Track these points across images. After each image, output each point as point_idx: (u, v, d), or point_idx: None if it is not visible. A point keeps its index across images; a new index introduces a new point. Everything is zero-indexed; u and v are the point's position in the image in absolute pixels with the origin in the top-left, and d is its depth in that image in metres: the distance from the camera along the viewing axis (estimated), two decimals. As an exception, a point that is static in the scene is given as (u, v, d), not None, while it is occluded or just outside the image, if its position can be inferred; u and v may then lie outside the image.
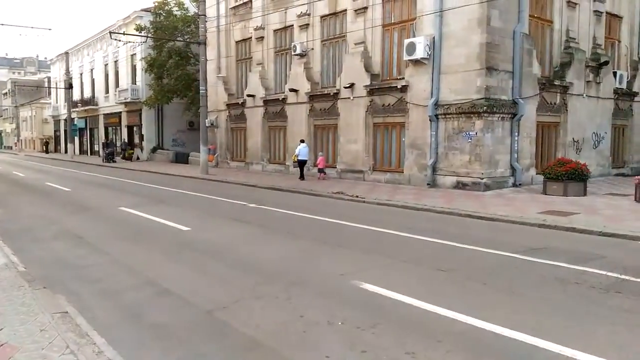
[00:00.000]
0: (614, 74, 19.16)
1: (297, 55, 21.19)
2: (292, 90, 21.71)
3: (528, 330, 4.59)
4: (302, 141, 20.27)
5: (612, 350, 4.23)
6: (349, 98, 19.16)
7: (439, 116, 15.95)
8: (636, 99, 20.63)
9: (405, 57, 16.48)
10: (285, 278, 6.40)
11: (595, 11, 18.44)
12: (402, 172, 17.41)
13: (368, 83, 18.30)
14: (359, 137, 18.95)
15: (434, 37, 15.83)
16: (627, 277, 6.38)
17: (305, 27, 21.20)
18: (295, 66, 21.67)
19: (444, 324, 4.84)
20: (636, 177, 13.24)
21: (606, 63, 18.43)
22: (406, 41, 16.40)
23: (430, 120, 16.12)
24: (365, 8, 18.45)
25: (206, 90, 23.51)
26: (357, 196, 14.55)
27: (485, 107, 14.74)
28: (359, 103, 18.79)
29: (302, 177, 19.51)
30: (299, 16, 21.34)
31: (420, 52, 15.82)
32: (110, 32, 28.73)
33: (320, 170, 19.60)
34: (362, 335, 4.56)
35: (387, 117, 18.03)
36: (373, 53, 18.52)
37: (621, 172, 19.80)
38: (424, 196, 14.20)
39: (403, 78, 17.18)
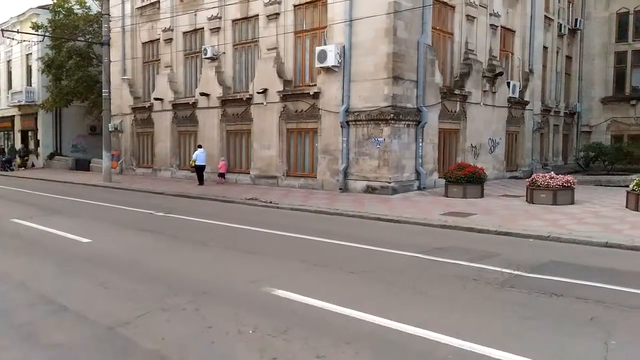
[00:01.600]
0: (508, 84, 20.78)
1: (208, 58, 20.75)
2: (203, 94, 21.22)
3: (432, 326, 4.81)
4: (200, 146, 20.36)
5: (506, 341, 4.53)
6: (262, 103, 19.08)
7: (350, 123, 16.36)
8: (527, 107, 22.50)
9: (317, 65, 16.73)
10: (193, 288, 6.20)
11: (491, 25, 19.90)
12: (316, 177, 17.63)
13: (281, 89, 18.35)
14: (272, 143, 18.92)
15: (344, 46, 16.23)
16: (519, 273, 6.90)
17: (216, 30, 20.83)
18: (207, 70, 21.22)
19: (354, 325, 4.94)
20: (527, 179, 14.41)
21: (501, 74, 19.94)
22: (317, 49, 16.66)
23: (341, 126, 16.48)
24: (277, 14, 18.50)
25: (110, 92, 22.30)
26: (270, 202, 14.50)
27: (392, 115, 15.34)
28: (273, 108, 18.78)
29: (201, 182, 19.67)
30: (209, 19, 20.93)
31: (331, 60, 16.14)
32: (1, 30, 26.34)
33: (221, 175, 19.91)
34: (273, 342, 4.53)
35: (300, 122, 18.19)
36: (286, 59, 18.61)
37: (514, 175, 21.47)
38: (336, 201, 14.46)
39: (315, 85, 17.43)
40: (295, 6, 18.12)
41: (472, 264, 7.40)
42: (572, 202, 13.30)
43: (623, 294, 5.90)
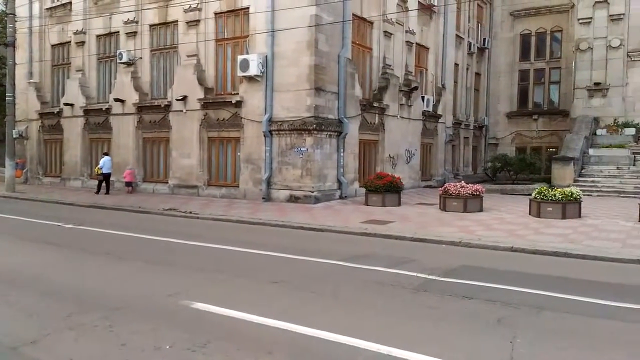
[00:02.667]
0: (422, 98, 21.82)
1: (123, 63, 19.91)
2: (117, 100, 20.30)
3: (350, 332, 4.90)
4: (106, 154, 19.83)
5: (421, 344, 4.73)
6: (181, 111, 18.59)
7: (273, 132, 16.37)
8: (440, 120, 23.71)
9: (240, 73, 16.60)
10: (106, 304, 5.88)
11: (407, 42, 20.81)
12: (238, 187, 17.42)
13: (202, 96, 17.99)
14: (193, 152, 18.47)
15: (266, 56, 16.25)
16: (433, 277, 7.23)
17: (132, 34, 20.05)
18: (122, 75, 20.33)
19: (276, 335, 4.92)
20: (440, 188, 15.16)
21: (416, 88, 20.90)
22: (240, 57, 16.55)
23: (264, 135, 16.44)
24: (198, 21, 18.18)
25: (14, 97, 20.71)
26: (190, 212, 14.12)
27: (314, 125, 15.56)
28: (193, 116, 18.35)
29: (107, 191, 19.08)
30: (125, 23, 20.12)
31: (253, 69, 16.09)
32: None
33: (128, 184, 19.34)
34: (192, 357, 4.40)
35: (222, 131, 17.92)
36: (207, 67, 18.30)
37: (429, 184, 22.51)
38: (259, 210, 14.37)
39: (237, 93, 17.28)
40: (216, 14, 17.91)
41: (390, 270, 7.65)
42: (481, 210, 14.18)
43: (528, 295, 6.36)
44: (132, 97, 19.93)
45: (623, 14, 23.54)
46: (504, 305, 5.90)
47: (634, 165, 20.36)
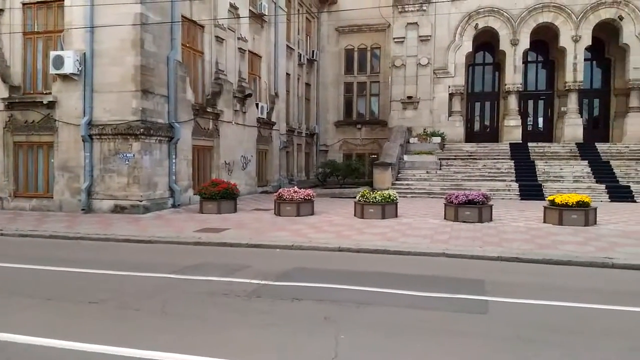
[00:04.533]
0: (257, 105, 22.09)
1: None
2: None
3: (173, 349, 4.67)
4: None
5: (248, 353, 4.70)
6: (-21, 112, 16.00)
7: (94, 137, 15.00)
8: (274, 127, 24.25)
9: (53, 71, 14.88)
10: None
11: (239, 49, 20.85)
12: (52, 198, 15.56)
13: (6, 96, 15.73)
14: (-6, 159, 16.01)
15: (85, 53, 14.83)
16: (266, 282, 7.29)
17: None
18: None
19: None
20: (275, 194, 15.47)
21: (250, 95, 21.06)
22: (53, 53, 14.83)
23: (83, 140, 14.97)
24: (2, 10, 15.90)
25: None
26: (-9, 229, 12.18)
27: (142, 129, 14.66)
28: (-6, 118, 15.94)
29: None
30: None
31: (69, 67, 14.55)
32: None
33: None
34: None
35: (31, 135, 15.86)
36: (12, 62, 16.07)
37: (265, 189, 22.85)
38: (77, 223, 13.01)
39: (50, 93, 15.47)
40: (24, 4, 15.85)
41: (223, 279, 7.51)
42: (313, 213, 14.82)
43: (352, 292, 6.78)
44: None
45: (430, 36, 26.80)
46: (330, 303, 6.21)
47: (440, 169, 23.23)
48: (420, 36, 26.89)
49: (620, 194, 19.29)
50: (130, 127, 14.66)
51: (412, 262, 8.99)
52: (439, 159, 23.73)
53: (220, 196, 15.15)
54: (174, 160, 16.18)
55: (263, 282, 7.30)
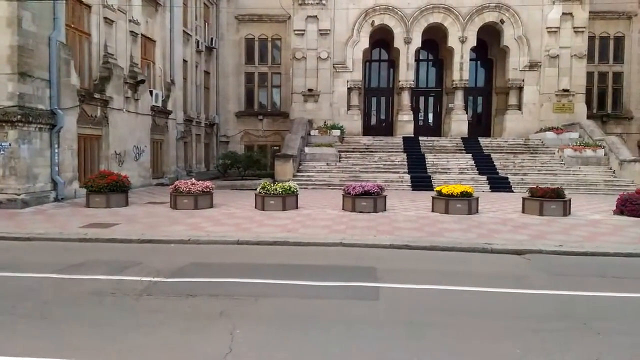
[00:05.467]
0: (151, 92, 21.01)
1: None
2: None
3: (50, 355, 4.32)
4: None
5: (134, 355, 4.47)
6: None
7: (-41, 123, 13.35)
8: (171, 116, 23.26)
9: None
10: None
11: (131, 32, 19.66)
12: None
13: None
14: None
15: (-53, 28, 13.11)
16: (159, 279, 6.98)
17: None
18: None
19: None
20: (170, 186, 14.86)
21: (143, 81, 19.96)
22: None
23: (-54, 127, 13.27)
24: None
25: None
26: None
27: (20, 116, 13.31)
28: None
29: None
30: None
31: None
32: None
33: None
34: None
35: None
36: None
37: (161, 182, 21.87)
38: (-61, 220, 11.53)
39: None
40: None
41: (111, 277, 7.07)
42: (212, 206, 14.46)
43: (250, 285, 6.70)
44: None
45: (330, 30, 27.22)
46: (226, 298, 6.09)
47: (339, 161, 23.79)
48: (320, 30, 27.21)
49: (499, 184, 21.08)
50: (5, 113, 13.25)
51: (310, 253, 9.10)
52: (339, 152, 24.28)
53: (109, 189, 14.24)
54: (56, 150, 14.90)
55: (155, 279, 6.98)
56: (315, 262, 8.25)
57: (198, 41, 27.18)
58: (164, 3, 22.36)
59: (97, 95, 17.14)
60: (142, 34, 20.63)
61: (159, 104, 21.60)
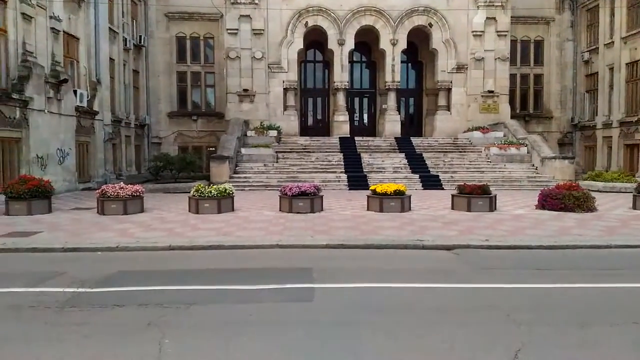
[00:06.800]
0: (75, 92, 19.94)
1: None
2: None
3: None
4: None
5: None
6: None
7: None
8: (97, 117, 22.21)
9: None
10: None
11: (52, 28, 18.56)
12: None
13: None
14: None
15: None
16: (84, 290, 6.63)
17: None
18: None
19: None
20: (97, 191, 14.17)
21: (66, 81, 18.90)
22: None
23: None
24: None
25: None
26: None
27: None
28: None
29: None
30: None
31: None
32: None
33: None
34: None
35: None
36: None
37: (88, 186, 20.83)
38: None
39: None
40: None
41: (31, 289, 6.64)
42: (142, 211, 13.93)
43: (181, 293, 6.51)
44: None
45: (263, 30, 27.01)
46: (156, 306, 5.87)
47: (277, 162, 23.68)
48: (253, 29, 26.95)
49: (431, 182, 21.81)
50: None
51: (246, 256, 8.98)
52: (276, 152, 24.17)
53: (31, 195, 13.38)
54: (-31, 155, 13.83)
55: (80, 289, 6.63)
56: (250, 266, 8.15)
57: (126, 39, 26.10)
58: (88, -1, 21.33)
59: (15, 96, 16.06)
60: (64, 31, 19.54)
61: (84, 104, 20.56)
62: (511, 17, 27.95)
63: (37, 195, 13.55)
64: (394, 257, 8.87)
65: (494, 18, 27.50)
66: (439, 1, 27.35)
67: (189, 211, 13.90)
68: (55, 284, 6.90)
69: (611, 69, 27.14)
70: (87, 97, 20.93)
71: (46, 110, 17.94)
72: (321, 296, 6.34)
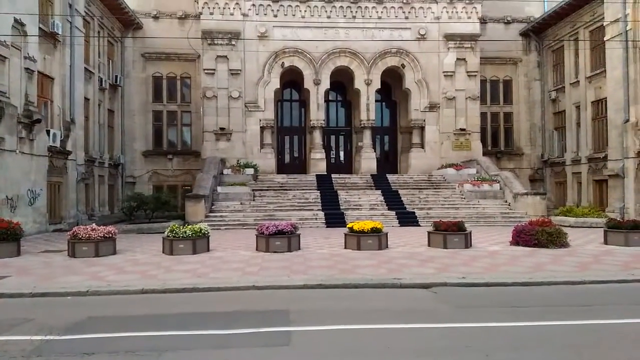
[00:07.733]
0: (48, 132, 19.68)
1: None
2: None
3: None
4: None
5: None
6: None
7: None
8: (70, 157, 21.87)
9: None
10: None
11: (26, 69, 18.45)
12: None
13: None
14: None
15: None
16: (52, 337, 6.37)
17: None
18: None
19: None
20: (69, 232, 13.82)
21: (39, 121, 18.66)
22: None
23: None
24: None
25: None
26: None
27: None
28: None
29: None
30: None
31: None
32: None
33: None
34: None
35: None
36: None
37: (59, 227, 20.30)
38: None
39: None
40: None
41: (-6, 339, 6.34)
42: (115, 252, 13.59)
43: (152, 339, 6.30)
44: None
45: (240, 70, 27.38)
46: (126, 354, 5.67)
47: (254, 200, 23.56)
48: (230, 69, 27.30)
49: (407, 219, 21.94)
50: None
51: (222, 298, 8.79)
52: (253, 190, 24.09)
53: (-1, 238, 12.97)
54: None
55: (47, 337, 6.37)
56: (225, 309, 7.97)
57: (101, 79, 26.10)
58: (63, 40, 21.32)
59: (-15, 136, 15.77)
60: (39, 71, 19.44)
61: (57, 144, 20.27)
62: (480, 57, 28.99)
63: (6, 238, 13.15)
64: (372, 296, 8.81)
65: (464, 59, 28.49)
66: (411, 43, 28.26)
67: (163, 252, 13.61)
68: (22, 332, 6.62)
69: (577, 107, 28.17)
70: (61, 137, 20.66)
71: (17, 151, 17.62)
72: (298, 340, 6.22)
